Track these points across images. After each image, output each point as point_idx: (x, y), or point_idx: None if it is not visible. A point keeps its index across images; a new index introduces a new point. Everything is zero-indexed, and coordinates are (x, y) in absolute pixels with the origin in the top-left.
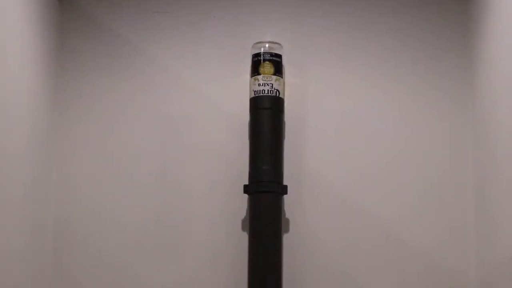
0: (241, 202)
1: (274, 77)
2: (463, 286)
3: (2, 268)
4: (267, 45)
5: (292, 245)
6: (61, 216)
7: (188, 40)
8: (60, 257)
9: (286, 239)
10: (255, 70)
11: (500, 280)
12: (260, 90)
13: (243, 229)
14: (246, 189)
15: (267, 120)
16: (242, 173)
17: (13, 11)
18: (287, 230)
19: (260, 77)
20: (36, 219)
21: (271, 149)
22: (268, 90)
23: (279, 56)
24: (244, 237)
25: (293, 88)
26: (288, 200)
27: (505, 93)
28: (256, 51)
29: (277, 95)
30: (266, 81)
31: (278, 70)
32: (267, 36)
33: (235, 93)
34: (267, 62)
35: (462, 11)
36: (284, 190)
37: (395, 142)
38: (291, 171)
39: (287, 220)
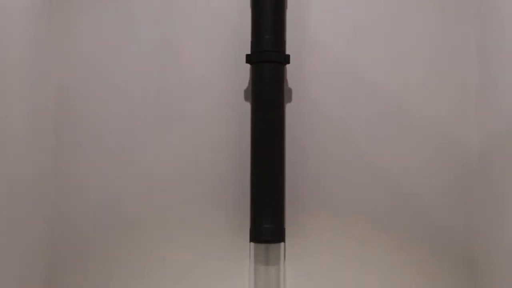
0: (244, 72)
1: None
2: (464, 154)
3: (3, 137)
4: None
5: (294, 114)
6: (62, 85)
7: None
8: (61, 125)
9: (289, 108)
10: None
11: (499, 149)
12: None
13: (246, 99)
14: (249, 58)
15: None
16: (244, 43)
17: None
18: (289, 100)
19: None
20: (36, 89)
21: (273, 17)
22: None
23: None
24: (247, 107)
25: None
26: (290, 70)
27: None
28: None
29: None
30: None
31: None
32: None
33: None
34: None
35: None
36: (286, 59)
37: (398, 11)
38: (294, 40)
39: (290, 90)
